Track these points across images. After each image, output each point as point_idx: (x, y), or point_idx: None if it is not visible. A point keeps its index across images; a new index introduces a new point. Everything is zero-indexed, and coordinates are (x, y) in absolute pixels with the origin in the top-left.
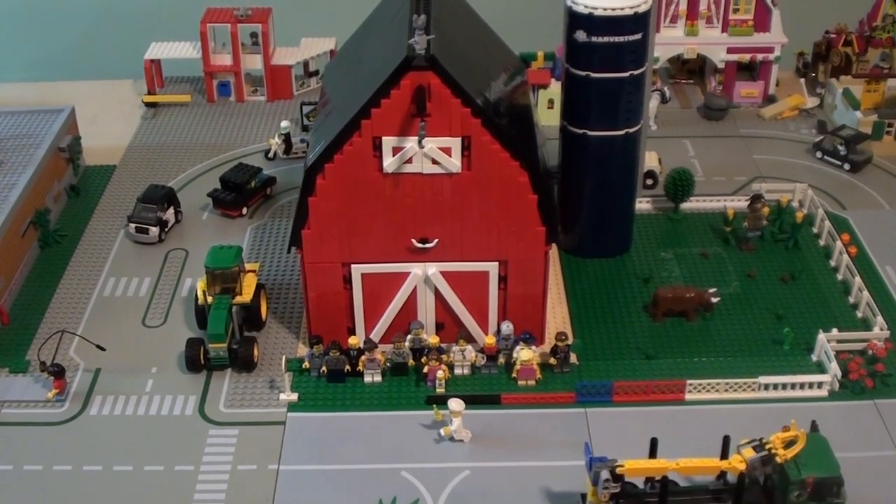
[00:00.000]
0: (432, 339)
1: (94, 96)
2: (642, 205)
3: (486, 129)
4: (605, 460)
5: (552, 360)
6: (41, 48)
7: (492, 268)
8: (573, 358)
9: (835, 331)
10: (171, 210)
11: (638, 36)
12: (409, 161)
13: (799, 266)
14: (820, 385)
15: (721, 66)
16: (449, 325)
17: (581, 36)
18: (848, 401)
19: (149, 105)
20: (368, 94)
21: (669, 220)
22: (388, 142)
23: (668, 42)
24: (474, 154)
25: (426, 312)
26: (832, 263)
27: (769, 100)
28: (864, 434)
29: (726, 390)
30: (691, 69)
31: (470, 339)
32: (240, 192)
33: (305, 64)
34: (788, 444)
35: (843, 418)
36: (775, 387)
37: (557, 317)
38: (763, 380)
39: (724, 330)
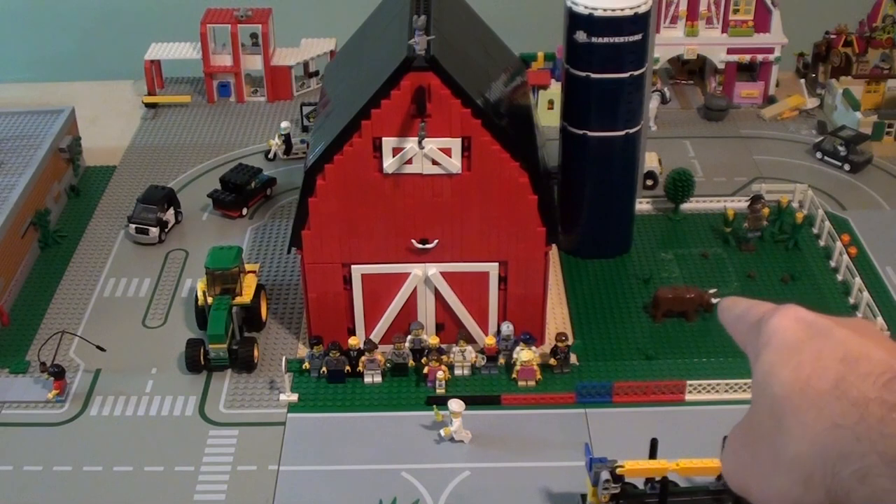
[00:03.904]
0: (432, 340)
1: (94, 97)
2: (642, 205)
3: (486, 129)
4: (605, 461)
5: (552, 361)
6: (41, 48)
7: (492, 268)
8: (573, 358)
9: None
10: (172, 211)
11: (638, 37)
12: (410, 162)
13: (799, 267)
14: None
15: (721, 66)
16: (449, 326)
17: (581, 36)
18: None
19: (149, 106)
20: (368, 95)
21: (669, 221)
22: (388, 142)
23: (669, 43)
24: (474, 155)
25: (426, 313)
26: (832, 264)
27: (769, 100)
28: None
29: (726, 391)
30: (691, 70)
31: (470, 340)
32: (240, 192)
33: (305, 64)
34: None
35: None
36: None
37: (557, 317)
38: None
39: (725, 330)
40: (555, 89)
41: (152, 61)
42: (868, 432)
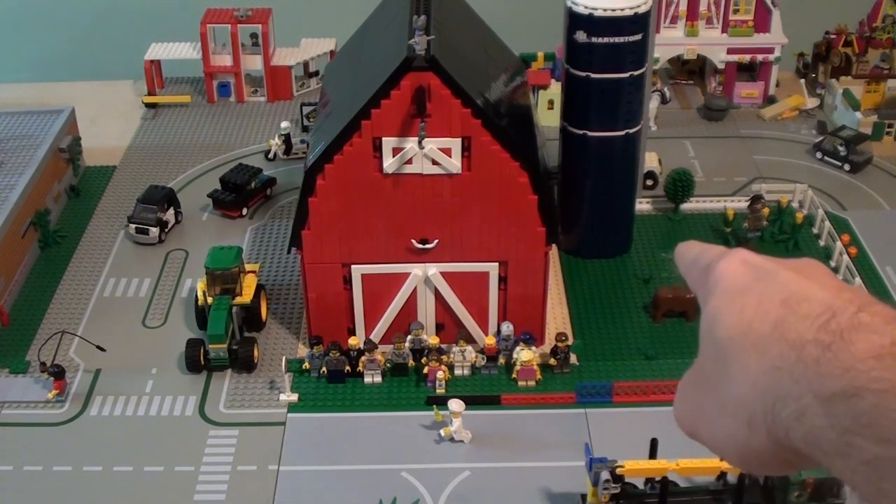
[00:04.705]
0: (432, 340)
1: (94, 97)
2: (642, 205)
3: (486, 129)
4: (606, 461)
5: (552, 361)
6: (41, 48)
7: (492, 268)
8: (573, 358)
9: None
10: (172, 211)
11: (638, 37)
12: (409, 162)
13: None
14: None
15: (721, 66)
16: (449, 326)
17: (581, 36)
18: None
19: (149, 106)
20: (368, 95)
21: (669, 221)
22: (388, 142)
23: (669, 43)
24: (474, 155)
25: (426, 313)
26: (832, 264)
27: (769, 100)
28: None
29: None
30: (691, 70)
31: (470, 340)
32: (240, 192)
33: (305, 64)
34: None
35: None
36: None
37: (557, 317)
38: None
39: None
40: (555, 89)
41: (152, 61)
42: (804, 373)
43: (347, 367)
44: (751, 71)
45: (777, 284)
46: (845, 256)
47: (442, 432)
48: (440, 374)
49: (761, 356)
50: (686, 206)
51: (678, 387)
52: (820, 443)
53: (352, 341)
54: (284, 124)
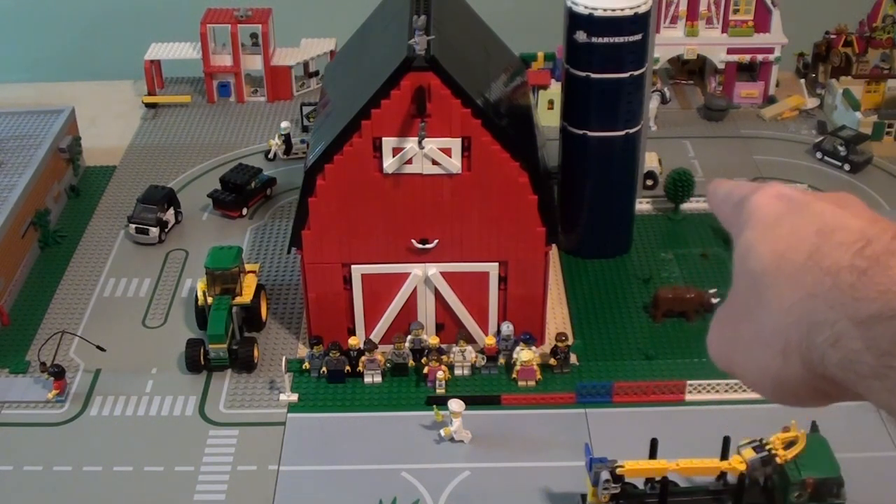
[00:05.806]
0: (432, 340)
1: (94, 97)
2: (642, 205)
3: (486, 129)
4: (605, 461)
5: (552, 361)
6: (41, 48)
7: (492, 268)
8: (573, 358)
9: None
10: (172, 211)
11: (638, 37)
12: (409, 162)
13: None
14: None
15: (721, 66)
16: (449, 326)
17: (581, 36)
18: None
19: (149, 106)
20: (368, 95)
21: (669, 221)
22: (388, 142)
23: (669, 43)
24: (474, 155)
25: (426, 313)
26: None
27: (769, 100)
28: (864, 434)
29: (726, 390)
30: (691, 70)
31: (470, 340)
32: (240, 192)
33: (305, 64)
34: (789, 444)
35: (843, 418)
36: None
37: (557, 317)
38: None
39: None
40: (555, 89)
41: (152, 61)
42: (840, 298)
43: (347, 367)
44: (751, 71)
45: (811, 215)
46: None
47: (442, 432)
48: (440, 374)
49: (795, 285)
50: (686, 206)
51: (712, 322)
52: (856, 367)
53: (352, 341)
54: (284, 124)
